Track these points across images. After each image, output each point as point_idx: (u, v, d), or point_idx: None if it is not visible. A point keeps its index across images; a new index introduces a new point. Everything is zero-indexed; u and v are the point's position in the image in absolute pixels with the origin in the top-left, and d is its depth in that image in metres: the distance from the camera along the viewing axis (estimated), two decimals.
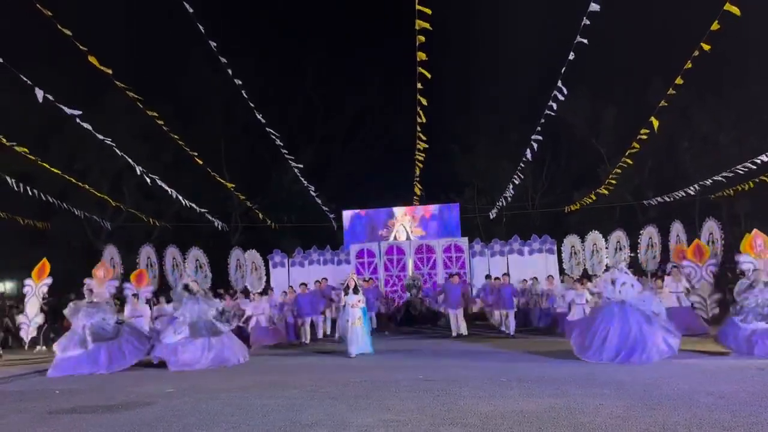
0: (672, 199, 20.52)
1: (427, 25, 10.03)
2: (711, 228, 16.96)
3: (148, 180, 14.83)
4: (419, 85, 11.96)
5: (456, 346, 12.10)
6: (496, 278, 15.05)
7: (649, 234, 18.35)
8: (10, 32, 20.99)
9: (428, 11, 9.80)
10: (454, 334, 13.90)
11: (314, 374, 8.63)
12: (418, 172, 17.50)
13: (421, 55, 10.93)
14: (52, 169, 14.56)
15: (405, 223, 19.90)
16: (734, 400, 5.69)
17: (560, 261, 18.73)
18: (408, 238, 19.32)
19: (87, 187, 16.43)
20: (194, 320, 10.46)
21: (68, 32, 10.24)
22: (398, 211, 20.39)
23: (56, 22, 10.01)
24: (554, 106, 13.08)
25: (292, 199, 30.48)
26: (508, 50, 31.72)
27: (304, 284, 14.90)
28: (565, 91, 12.56)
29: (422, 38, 10.44)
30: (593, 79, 26.10)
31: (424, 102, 12.68)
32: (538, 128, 14.82)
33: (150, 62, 29.08)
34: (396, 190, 27.25)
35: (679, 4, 26.04)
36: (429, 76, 11.46)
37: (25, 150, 12.83)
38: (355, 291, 11.19)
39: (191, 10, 10.34)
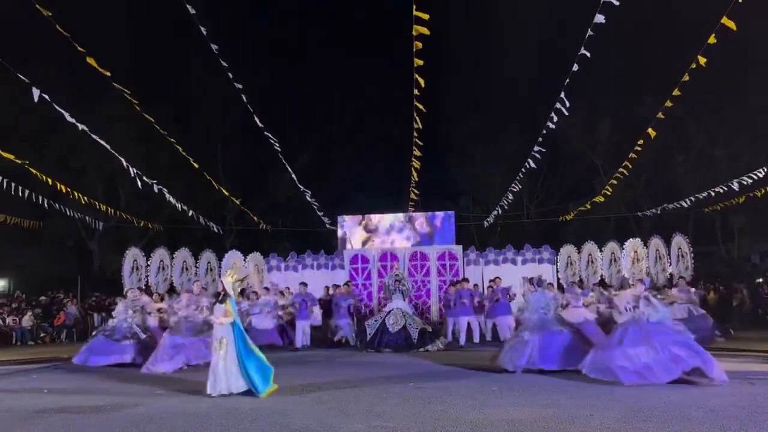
0: (664, 209, 20.58)
1: (425, 31, 10.03)
2: (679, 243, 16.93)
3: (139, 183, 14.73)
4: (416, 92, 11.99)
5: (445, 354, 12.04)
6: (469, 282, 15.28)
7: (611, 249, 18.07)
8: (8, 30, 20.93)
9: (426, 16, 9.82)
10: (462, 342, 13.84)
11: (304, 379, 8.59)
12: (414, 179, 17.47)
13: (418, 62, 10.94)
14: (39, 174, 14.38)
15: (398, 224, 19.90)
16: (724, 414, 5.69)
17: (556, 270, 18.62)
18: (406, 242, 19.25)
19: (76, 194, 16.23)
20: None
21: (66, 34, 10.19)
22: (394, 217, 20.38)
23: (54, 23, 9.95)
24: (554, 117, 13.13)
25: (289, 202, 30.46)
26: (508, 58, 31.96)
27: (304, 284, 14.89)
28: (568, 104, 12.62)
29: (419, 44, 10.46)
30: (590, 91, 26.22)
31: (422, 108, 12.69)
32: (540, 139, 14.85)
33: (150, 63, 29.10)
34: (392, 197, 27.35)
35: (675, 17, 26.27)
36: (423, 83, 11.47)
37: (11, 156, 12.72)
38: (222, 299, 7.53)
39: (193, 12, 10.35)
